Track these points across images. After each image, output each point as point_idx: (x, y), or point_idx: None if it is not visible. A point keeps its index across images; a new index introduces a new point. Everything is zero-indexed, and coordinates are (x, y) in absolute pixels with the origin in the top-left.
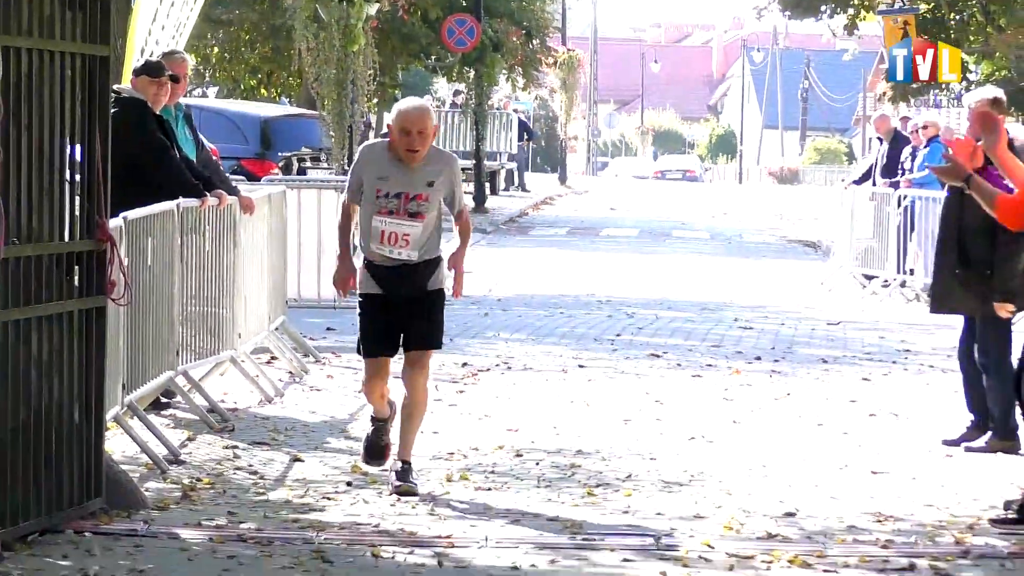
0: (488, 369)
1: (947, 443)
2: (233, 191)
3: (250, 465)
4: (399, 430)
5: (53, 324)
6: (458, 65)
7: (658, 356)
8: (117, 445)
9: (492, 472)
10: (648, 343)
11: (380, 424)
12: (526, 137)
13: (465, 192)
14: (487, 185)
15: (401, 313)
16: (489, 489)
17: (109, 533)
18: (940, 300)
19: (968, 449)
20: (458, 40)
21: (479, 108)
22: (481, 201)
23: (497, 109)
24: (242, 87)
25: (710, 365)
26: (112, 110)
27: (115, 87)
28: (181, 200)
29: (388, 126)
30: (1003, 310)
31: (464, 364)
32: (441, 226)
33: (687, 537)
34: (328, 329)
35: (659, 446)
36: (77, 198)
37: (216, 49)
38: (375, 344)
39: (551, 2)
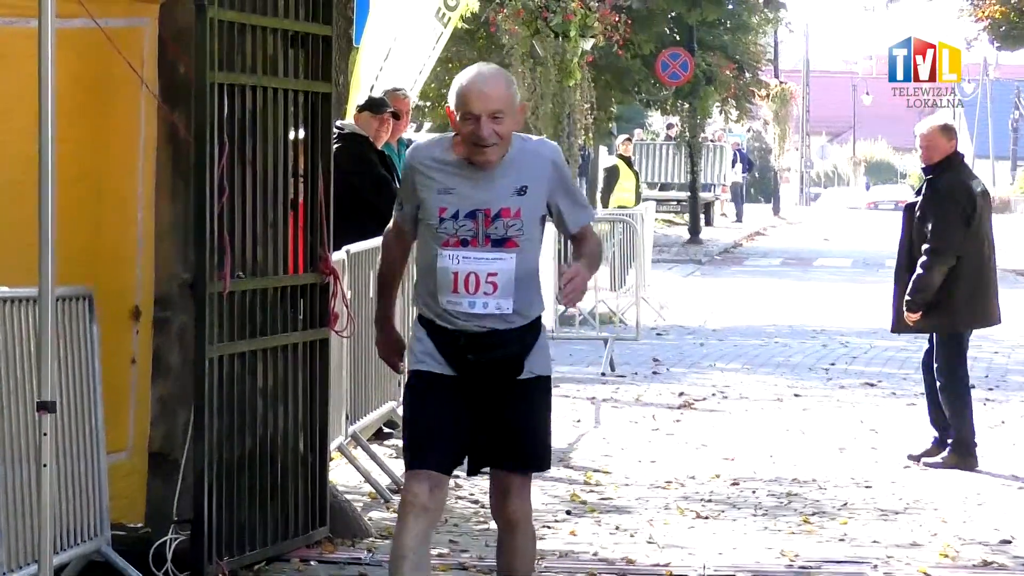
0: (704, 398)
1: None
2: None
3: (471, 494)
4: None
5: (278, 356)
6: (672, 98)
7: (872, 385)
8: (341, 475)
9: (709, 500)
10: (862, 372)
11: None
12: (749, 169)
13: (680, 224)
14: (702, 216)
15: (478, 407)
16: (707, 518)
17: (334, 562)
18: (898, 320)
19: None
20: (672, 74)
21: (693, 140)
22: (696, 232)
23: (711, 141)
24: None
25: (924, 394)
26: (334, 145)
27: (338, 123)
28: None
29: (447, 109)
30: (909, 318)
31: (680, 393)
32: (539, 267)
33: (903, 565)
34: None
35: (874, 474)
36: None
37: (433, 85)
38: (425, 447)
39: (763, 35)
